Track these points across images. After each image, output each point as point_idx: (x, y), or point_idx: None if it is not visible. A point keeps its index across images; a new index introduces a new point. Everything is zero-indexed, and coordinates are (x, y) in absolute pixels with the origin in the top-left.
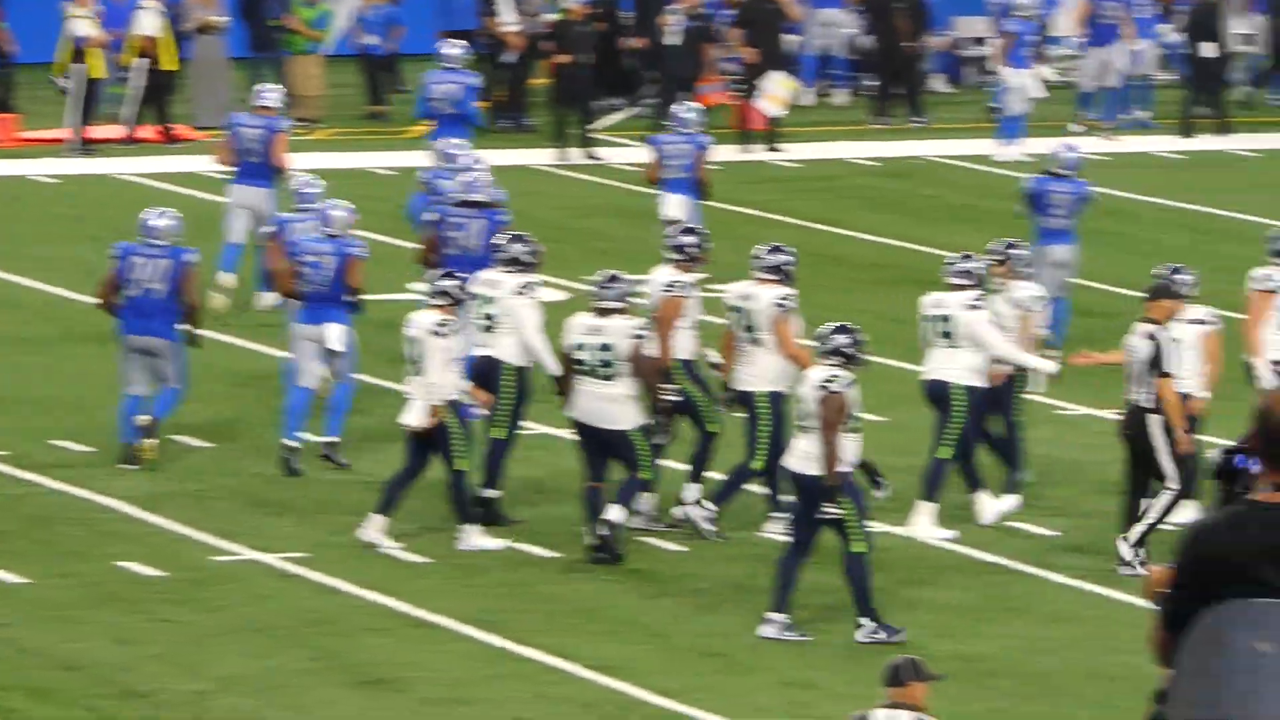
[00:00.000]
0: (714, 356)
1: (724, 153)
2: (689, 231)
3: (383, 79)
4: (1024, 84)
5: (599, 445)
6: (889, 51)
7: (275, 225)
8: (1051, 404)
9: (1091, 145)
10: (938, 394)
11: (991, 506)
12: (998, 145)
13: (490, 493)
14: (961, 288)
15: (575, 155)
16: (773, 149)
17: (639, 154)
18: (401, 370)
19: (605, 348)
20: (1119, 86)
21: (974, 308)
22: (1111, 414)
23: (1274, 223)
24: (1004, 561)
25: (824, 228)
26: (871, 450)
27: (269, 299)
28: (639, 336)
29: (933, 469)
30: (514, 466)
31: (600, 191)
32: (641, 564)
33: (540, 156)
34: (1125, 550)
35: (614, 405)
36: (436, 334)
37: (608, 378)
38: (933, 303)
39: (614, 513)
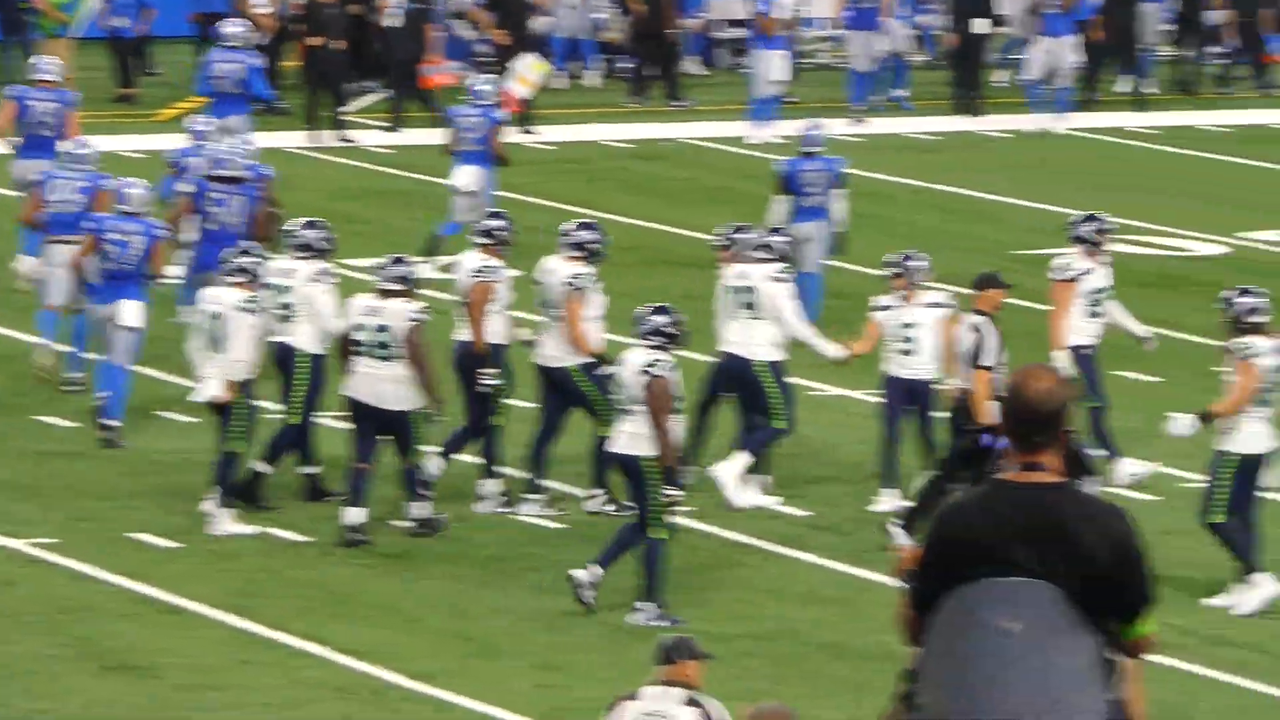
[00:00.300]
0: (525, 334)
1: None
2: (496, 215)
3: (133, 62)
4: (774, 66)
5: (374, 426)
6: (643, 34)
7: (42, 177)
8: (805, 385)
9: (845, 128)
10: (737, 370)
11: (739, 490)
12: (751, 127)
13: (263, 467)
14: (764, 261)
15: (327, 138)
16: (526, 131)
17: (392, 137)
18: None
19: (383, 329)
20: (875, 69)
21: (777, 280)
22: (863, 395)
23: (1024, 204)
24: (756, 543)
25: (578, 209)
26: None
27: (28, 264)
28: (418, 320)
29: (761, 436)
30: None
31: (354, 174)
32: (395, 549)
33: (293, 139)
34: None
35: (392, 386)
36: (244, 310)
37: (385, 358)
38: (736, 274)
39: (415, 509)
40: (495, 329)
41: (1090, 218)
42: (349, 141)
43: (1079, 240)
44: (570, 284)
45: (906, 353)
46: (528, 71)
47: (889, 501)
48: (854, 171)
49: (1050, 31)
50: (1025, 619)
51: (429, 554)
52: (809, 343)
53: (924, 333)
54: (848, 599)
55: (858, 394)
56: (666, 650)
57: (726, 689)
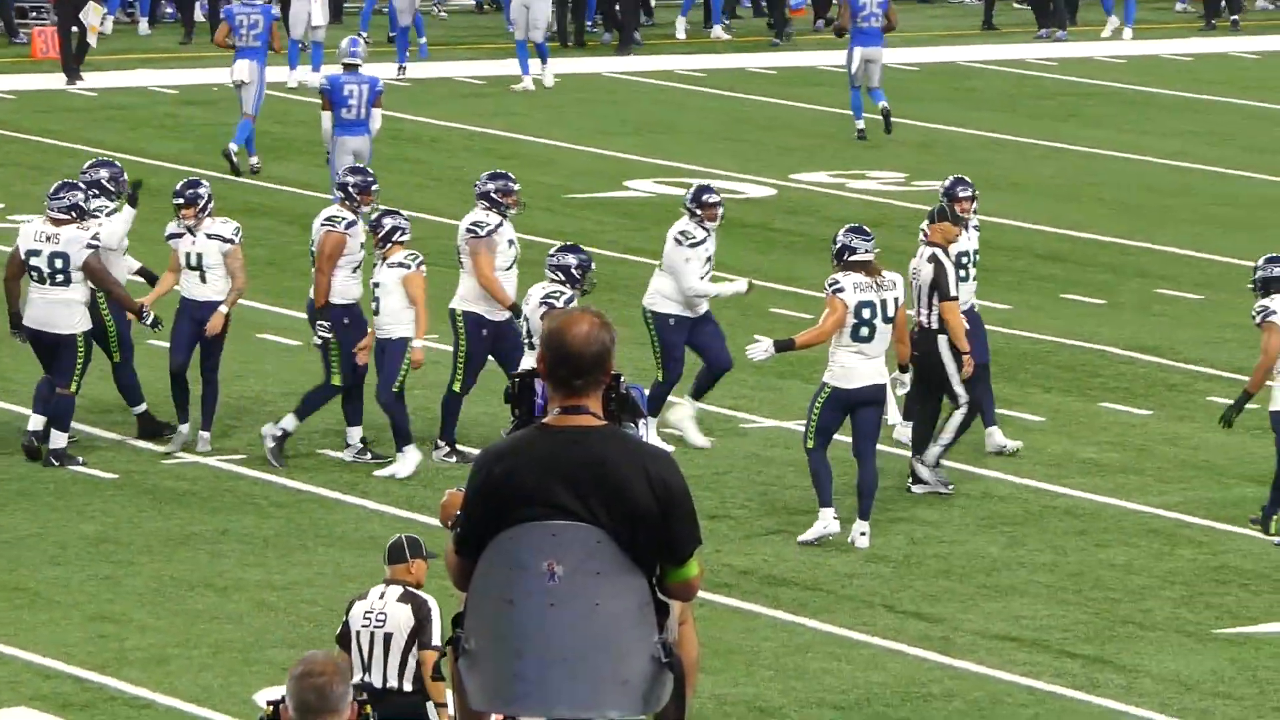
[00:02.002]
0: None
1: (26, 82)
2: (356, 171)
3: None
4: (309, 12)
5: (44, 350)
6: None
7: None
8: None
9: (391, 71)
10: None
11: None
12: (310, 73)
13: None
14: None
15: None
16: (75, 79)
17: None
18: None
19: (57, 255)
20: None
21: (678, 241)
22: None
23: (577, 148)
24: (315, 490)
25: (125, 156)
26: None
27: None
28: (92, 246)
29: None
30: None
31: None
32: None
33: None
34: (925, 472)
35: (60, 310)
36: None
37: (57, 284)
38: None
39: (56, 440)
40: (342, 283)
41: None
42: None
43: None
44: (471, 231)
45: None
46: (92, 18)
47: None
48: (403, 115)
49: None
50: (569, 562)
51: None
52: (705, 292)
53: (388, 294)
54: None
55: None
56: (397, 549)
57: (283, 635)
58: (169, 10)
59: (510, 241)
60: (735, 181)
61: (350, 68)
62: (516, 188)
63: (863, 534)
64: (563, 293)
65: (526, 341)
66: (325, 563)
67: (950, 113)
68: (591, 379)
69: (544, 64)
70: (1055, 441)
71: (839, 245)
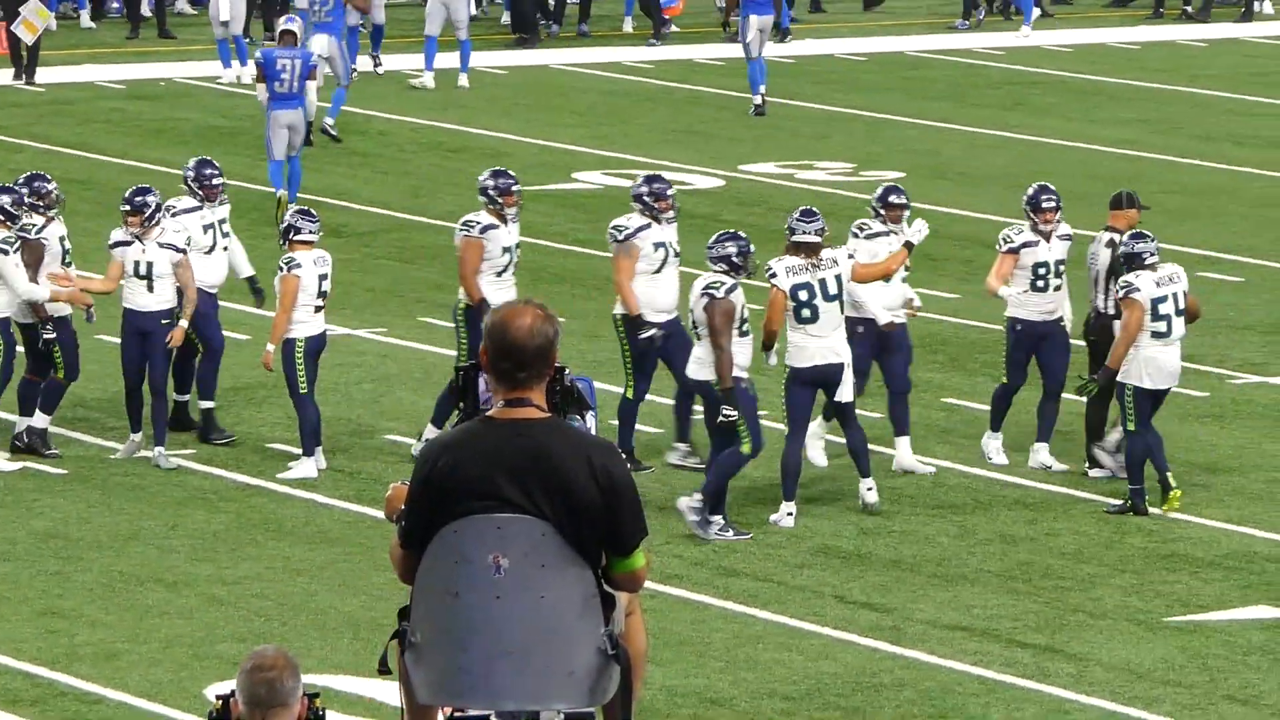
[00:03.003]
0: None
1: None
2: (498, 174)
3: None
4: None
5: None
6: None
7: None
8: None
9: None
10: None
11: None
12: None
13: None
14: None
15: None
16: (23, 76)
17: None
18: None
19: None
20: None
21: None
22: (368, 334)
23: (526, 140)
24: (270, 485)
25: (74, 152)
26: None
27: None
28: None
29: None
30: None
31: None
32: None
33: None
34: (1105, 458)
35: None
36: (3, 252)
37: None
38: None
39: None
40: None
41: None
42: None
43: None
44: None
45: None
46: (33, 15)
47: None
48: (351, 109)
49: None
50: (515, 554)
51: None
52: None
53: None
54: (352, 538)
55: (365, 332)
56: None
57: (233, 629)
58: (115, 5)
59: (657, 245)
60: (684, 173)
61: (287, 41)
62: (669, 191)
63: (869, 489)
64: (723, 283)
65: (694, 332)
66: (275, 557)
67: (899, 103)
68: (534, 372)
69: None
70: (1004, 431)
71: (786, 227)
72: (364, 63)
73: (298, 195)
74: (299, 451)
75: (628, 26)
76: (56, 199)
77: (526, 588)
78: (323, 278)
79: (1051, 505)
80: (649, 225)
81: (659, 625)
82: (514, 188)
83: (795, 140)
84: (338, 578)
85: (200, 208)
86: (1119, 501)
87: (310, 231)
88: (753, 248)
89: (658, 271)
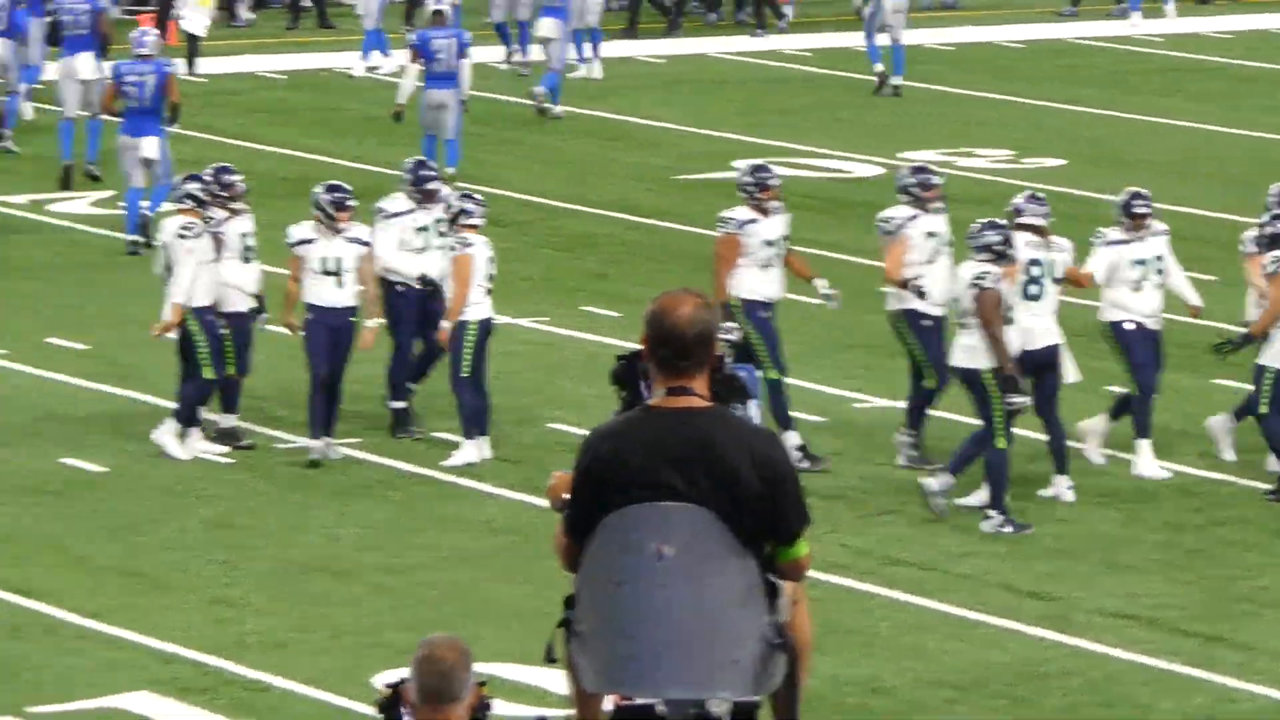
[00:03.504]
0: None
1: None
2: (757, 169)
3: None
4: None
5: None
6: None
7: None
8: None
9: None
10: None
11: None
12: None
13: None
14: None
15: None
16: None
17: None
18: None
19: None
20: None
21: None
22: (530, 323)
23: (683, 128)
24: (435, 474)
25: (236, 142)
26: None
27: None
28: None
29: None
30: None
31: None
32: (54, 485)
33: None
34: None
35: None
36: (182, 237)
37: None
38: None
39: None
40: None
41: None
42: None
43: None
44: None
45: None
46: (199, 7)
47: None
48: (507, 98)
49: None
50: (678, 543)
51: (92, 490)
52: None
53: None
54: (521, 526)
55: (527, 322)
56: None
57: (400, 618)
58: None
59: (929, 234)
60: (842, 160)
61: (438, 22)
62: (935, 180)
63: (1069, 487)
64: (989, 271)
65: (959, 321)
66: (442, 546)
67: (1057, 90)
68: (695, 360)
69: (595, 51)
70: (1170, 419)
71: (1012, 209)
72: (486, 54)
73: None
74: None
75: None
76: (241, 192)
77: (690, 576)
78: (489, 260)
79: (1217, 494)
80: (917, 215)
81: (824, 614)
82: (771, 181)
83: (955, 128)
84: (504, 566)
85: (414, 210)
86: (1271, 487)
87: (479, 215)
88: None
89: (930, 261)
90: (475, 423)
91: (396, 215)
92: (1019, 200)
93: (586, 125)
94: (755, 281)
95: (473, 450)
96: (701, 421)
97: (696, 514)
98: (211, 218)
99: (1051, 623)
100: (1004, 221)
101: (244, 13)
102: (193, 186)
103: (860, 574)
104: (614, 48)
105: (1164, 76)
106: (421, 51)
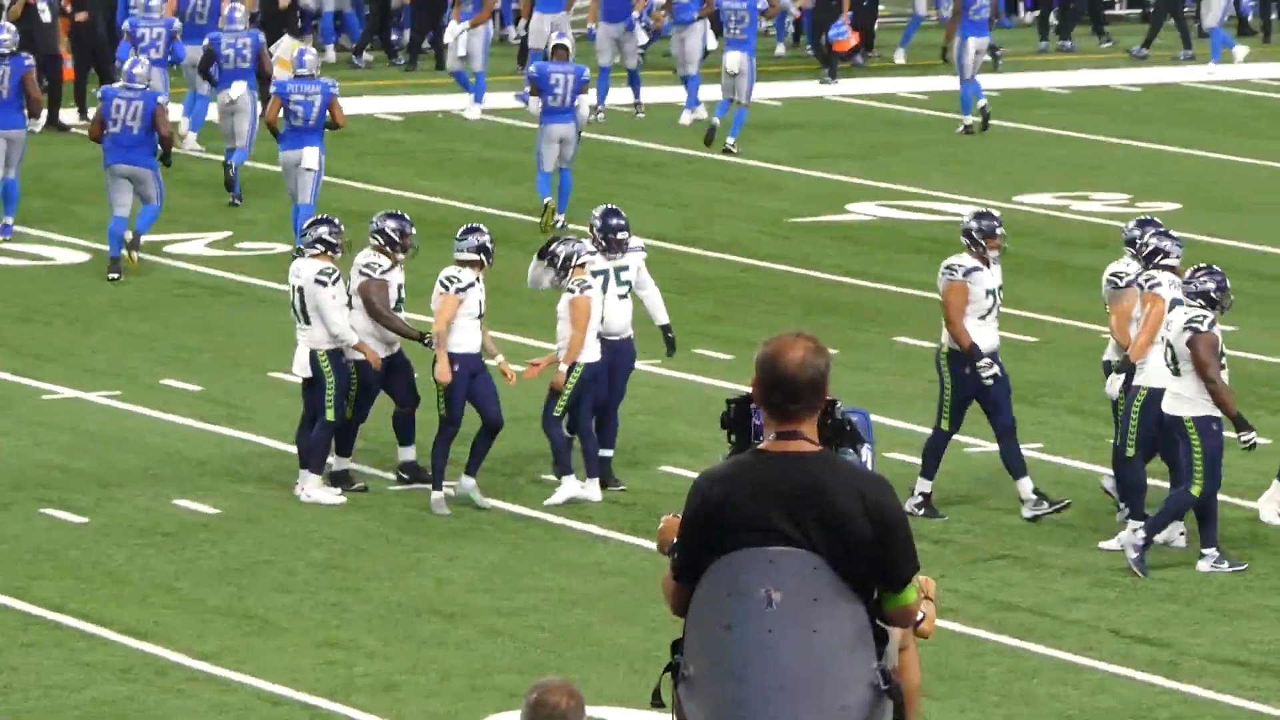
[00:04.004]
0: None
1: None
2: (981, 216)
3: None
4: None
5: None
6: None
7: None
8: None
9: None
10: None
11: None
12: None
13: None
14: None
15: None
16: None
17: None
18: None
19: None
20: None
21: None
22: (644, 365)
23: (800, 171)
24: (546, 516)
25: (353, 184)
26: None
27: None
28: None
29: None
30: None
31: None
32: (169, 527)
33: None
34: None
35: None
36: (319, 282)
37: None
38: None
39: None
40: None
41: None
42: None
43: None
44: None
45: None
46: (285, 53)
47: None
48: (625, 140)
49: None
50: (787, 588)
51: (205, 532)
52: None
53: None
54: (631, 569)
55: (640, 365)
56: None
57: (511, 661)
58: (394, 38)
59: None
60: (956, 203)
61: (560, 56)
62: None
63: (1181, 534)
64: (1206, 316)
65: (1173, 366)
66: (552, 589)
67: (1174, 133)
68: (806, 404)
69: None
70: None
71: (1152, 247)
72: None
73: (566, 207)
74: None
75: (900, 58)
76: (411, 243)
77: (798, 621)
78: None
79: None
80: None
81: (933, 659)
82: (997, 230)
83: (1070, 171)
84: (614, 609)
85: (595, 256)
86: None
87: (592, 256)
88: (1229, 282)
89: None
90: (566, 459)
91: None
92: (1168, 243)
93: (704, 168)
94: (973, 331)
95: (574, 484)
96: (811, 466)
97: (805, 558)
98: (378, 265)
99: (1161, 668)
100: (1219, 269)
101: (365, 54)
102: (323, 231)
103: (970, 619)
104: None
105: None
106: (540, 85)
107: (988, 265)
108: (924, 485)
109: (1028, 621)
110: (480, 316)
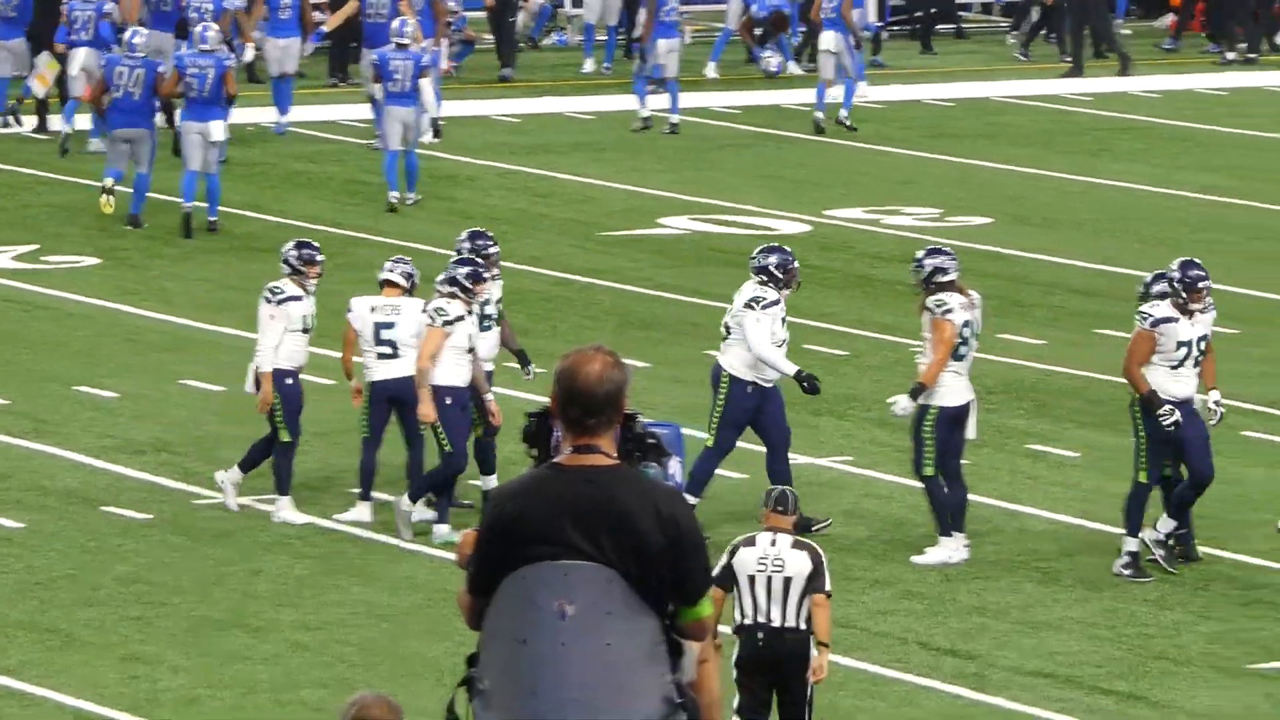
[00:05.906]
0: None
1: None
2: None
3: None
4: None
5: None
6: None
7: None
8: None
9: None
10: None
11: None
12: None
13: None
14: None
15: None
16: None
17: None
18: None
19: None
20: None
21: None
22: None
23: (613, 185)
24: (349, 530)
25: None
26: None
27: None
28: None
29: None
30: None
31: None
32: None
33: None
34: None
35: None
36: (264, 298)
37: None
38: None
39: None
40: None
41: None
42: None
43: None
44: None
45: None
46: (44, 70)
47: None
48: (438, 154)
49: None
50: (580, 601)
51: (6, 546)
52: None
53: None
54: (437, 583)
55: None
56: (780, 498)
57: (317, 675)
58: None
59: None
60: (768, 218)
61: (400, 46)
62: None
63: (965, 545)
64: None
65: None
66: (359, 602)
67: (986, 148)
68: (603, 418)
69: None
70: (1089, 477)
71: (930, 268)
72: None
73: (415, 186)
74: (395, 498)
75: (711, 72)
76: (494, 261)
77: (592, 634)
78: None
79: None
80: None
81: None
82: (1201, 284)
83: (882, 186)
84: (422, 623)
85: (780, 301)
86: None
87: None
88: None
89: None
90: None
91: (772, 305)
92: (929, 259)
93: (518, 181)
94: (1163, 380)
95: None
96: (606, 479)
97: (599, 572)
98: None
99: (969, 680)
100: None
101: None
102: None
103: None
104: (543, 105)
105: (1091, 136)
106: (381, 72)
107: (1188, 316)
108: (1130, 544)
109: (835, 634)
110: (470, 350)
